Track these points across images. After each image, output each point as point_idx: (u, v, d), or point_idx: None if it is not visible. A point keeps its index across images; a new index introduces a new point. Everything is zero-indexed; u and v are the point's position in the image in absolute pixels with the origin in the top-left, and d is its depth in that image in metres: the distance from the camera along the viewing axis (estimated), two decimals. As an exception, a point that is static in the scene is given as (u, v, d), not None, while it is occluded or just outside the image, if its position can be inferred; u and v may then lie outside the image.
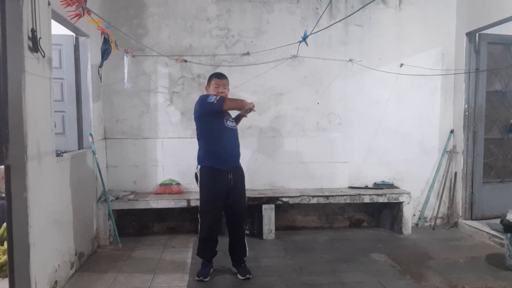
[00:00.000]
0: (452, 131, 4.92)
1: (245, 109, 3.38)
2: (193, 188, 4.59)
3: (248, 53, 4.64)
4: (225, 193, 3.35)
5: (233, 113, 3.57)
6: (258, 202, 4.39)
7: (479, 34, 4.63)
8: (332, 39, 4.72)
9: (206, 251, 3.43)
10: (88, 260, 3.78)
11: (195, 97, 4.52)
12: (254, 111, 3.47)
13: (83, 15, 2.71)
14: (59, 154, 3.27)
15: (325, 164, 4.84)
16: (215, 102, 3.21)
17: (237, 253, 3.47)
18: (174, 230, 4.71)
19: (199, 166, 3.40)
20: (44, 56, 2.78)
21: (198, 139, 3.43)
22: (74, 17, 2.70)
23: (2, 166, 2.37)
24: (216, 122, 3.31)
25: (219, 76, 3.47)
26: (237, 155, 3.47)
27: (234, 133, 3.45)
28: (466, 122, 4.74)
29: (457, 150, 4.85)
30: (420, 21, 4.81)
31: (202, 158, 3.38)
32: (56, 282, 3.02)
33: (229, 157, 3.37)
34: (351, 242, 4.34)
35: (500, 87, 4.79)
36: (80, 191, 3.66)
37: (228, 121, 3.38)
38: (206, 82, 4.62)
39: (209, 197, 3.35)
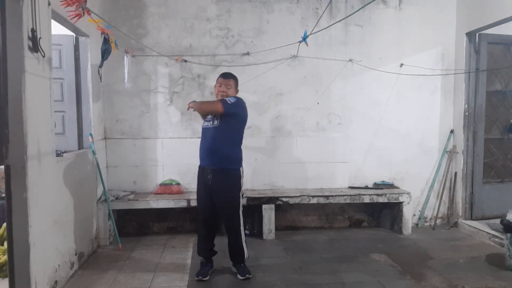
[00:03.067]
0: (452, 131, 4.92)
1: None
2: (193, 188, 4.59)
3: (248, 53, 4.64)
4: (206, 191, 3.36)
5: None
6: (258, 202, 4.39)
7: (479, 34, 4.63)
8: (332, 39, 4.72)
9: (200, 247, 3.47)
10: (88, 260, 3.78)
11: (195, 97, 4.56)
12: (191, 107, 3.38)
13: (83, 15, 2.71)
14: (59, 154, 3.27)
15: (325, 164, 4.83)
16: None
17: (233, 256, 3.45)
18: (174, 230, 4.71)
19: None
20: (44, 56, 2.78)
21: None
22: (74, 17, 2.70)
23: (2, 166, 2.37)
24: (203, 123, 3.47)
25: (225, 75, 3.48)
26: (215, 155, 3.28)
27: (209, 132, 3.31)
28: (466, 122, 4.74)
29: (457, 150, 4.85)
30: (420, 21, 4.81)
31: None
32: (56, 282, 3.02)
33: (205, 156, 3.35)
34: (351, 242, 4.34)
35: (500, 87, 4.79)
36: (80, 191, 3.66)
37: (204, 121, 3.40)
38: (206, 82, 4.67)
39: (196, 193, 3.50)
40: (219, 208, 3.38)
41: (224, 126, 3.28)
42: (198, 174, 3.45)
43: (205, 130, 3.38)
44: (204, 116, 3.46)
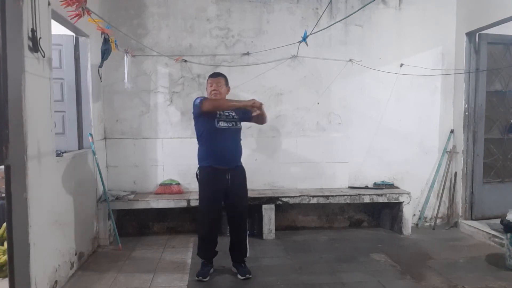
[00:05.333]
0: (452, 131, 4.92)
1: (232, 108, 3.37)
2: (193, 188, 4.60)
3: (248, 53, 4.64)
4: (222, 193, 3.34)
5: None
6: (258, 202, 4.39)
7: (479, 34, 4.63)
8: (332, 39, 4.72)
9: (204, 251, 3.44)
10: (88, 260, 3.78)
11: (195, 97, 4.53)
12: (260, 106, 3.27)
13: (83, 15, 2.71)
14: (59, 154, 3.27)
15: (325, 164, 4.83)
16: (198, 104, 3.27)
17: (237, 253, 3.46)
18: (174, 230, 4.71)
19: (198, 166, 3.44)
20: (44, 56, 2.78)
21: (197, 139, 3.47)
22: (74, 17, 2.70)
23: (2, 166, 2.37)
24: (207, 123, 3.33)
25: (213, 74, 3.51)
26: (234, 155, 3.39)
27: (229, 133, 3.35)
28: (466, 122, 4.74)
29: (457, 150, 4.84)
30: (420, 21, 4.80)
31: (200, 158, 3.43)
32: (56, 282, 3.02)
33: (224, 157, 3.33)
34: (351, 242, 4.34)
35: (500, 87, 4.78)
36: (80, 191, 3.66)
37: (220, 122, 3.32)
38: (206, 82, 4.65)
39: (206, 197, 3.37)
40: (235, 206, 3.39)
41: (240, 126, 3.47)
42: (208, 176, 3.34)
43: (220, 131, 3.31)
44: (213, 114, 3.30)
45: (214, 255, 3.49)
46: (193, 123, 4.11)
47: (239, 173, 3.43)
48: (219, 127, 3.32)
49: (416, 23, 4.80)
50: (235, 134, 3.42)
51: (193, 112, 3.43)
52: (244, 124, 3.99)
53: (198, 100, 3.30)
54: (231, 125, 3.37)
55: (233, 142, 3.39)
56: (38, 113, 2.75)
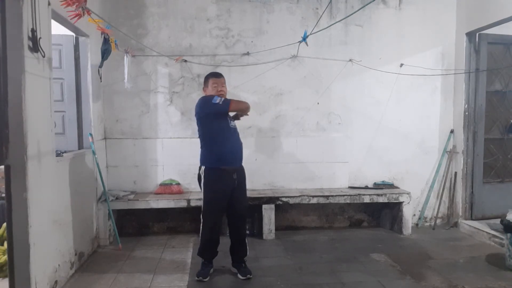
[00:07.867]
0: (452, 131, 4.92)
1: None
2: (193, 188, 4.60)
3: (248, 53, 4.64)
4: (229, 194, 3.33)
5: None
6: (258, 202, 4.39)
7: (479, 34, 4.63)
8: (332, 39, 4.72)
9: (207, 252, 3.43)
10: (88, 260, 3.78)
11: (195, 97, 4.55)
12: (247, 114, 3.49)
13: (83, 15, 2.71)
14: (59, 154, 3.27)
15: (325, 164, 4.83)
16: (220, 103, 3.20)
17: (238, 253, 3.47)
18: (174, 230, 4.71)
19: (203, 167, 3.34)
20: (44, 56, 2.78)
21: (201, 140, 3.39)
22: (74, 17, 2.70)
23: (2, 166, 2.37)
24: (220, 123, 3.28)
25: (216, 75, 3.46)
26: (241, 155, 3.44)
27: (236, 133, 3.43)
28: (466, 122, 4.74)
29: (457, 150, 4.85)
30: (420, 21, 4.81)
31: (206, 159, 3.34)
32: (56, 282, 3.02)
33: (234, 157, 3.35)
34: (351, 242, 4.34)
35: (500, 87, 4.78)
36: (80, 191, 3.66)
37: (231, 121, 3.39)
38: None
39: (214, 198, 3.32)
40: (237, 207, 3.39)
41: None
42: (216, 178, 3.28)
43: (232, 131, 3.34)
44: (229, 115, 3.39)
45: (215, 256, 3.49)
46: (193, 123, 4.12)
47: (242, 173, 3.46)
48: (232, 126, 3.36)
49: (416, 23, 4.80)
50: (238, 133, 3.47)
51: (204, 111, 3.29)
52: (244, 124, 4.01)
53: (218, 99, 3.22)
54: (234, 124, 3.43)
55: (239, 141, 3.45)
56: (38, 113, 2.75)
